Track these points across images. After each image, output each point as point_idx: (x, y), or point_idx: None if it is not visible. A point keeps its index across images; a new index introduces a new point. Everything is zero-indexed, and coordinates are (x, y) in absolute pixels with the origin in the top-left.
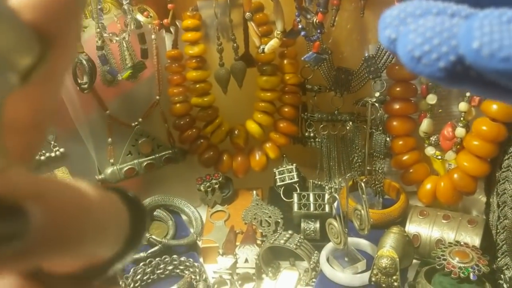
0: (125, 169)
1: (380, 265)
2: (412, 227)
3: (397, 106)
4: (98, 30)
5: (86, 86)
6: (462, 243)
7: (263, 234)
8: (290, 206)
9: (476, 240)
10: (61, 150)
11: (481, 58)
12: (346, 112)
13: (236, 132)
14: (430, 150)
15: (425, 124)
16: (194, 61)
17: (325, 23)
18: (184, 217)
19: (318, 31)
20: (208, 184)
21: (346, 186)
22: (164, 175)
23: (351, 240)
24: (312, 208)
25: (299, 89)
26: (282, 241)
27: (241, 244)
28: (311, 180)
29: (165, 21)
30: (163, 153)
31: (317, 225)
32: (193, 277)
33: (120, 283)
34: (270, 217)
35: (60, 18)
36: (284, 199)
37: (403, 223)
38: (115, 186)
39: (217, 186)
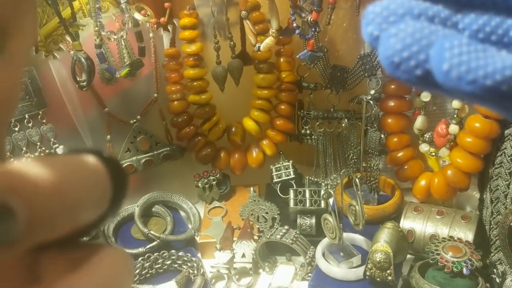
0: (124, 165)
1: (375, 259)
2: (406, 223)
3: (391, 104)
4: (97, 28)
5: (84, 83)
6: (455, 238)
7: (260, 229)
8: (286, 202)
9: (469, 236)
10: (61, 147)
11: (450, 80)
12: (341, 110)
13: (233, 129)
14: (424, 147)
15: (419, 121)
16: (191, 59)
17: (320, 22)
18: (182, 213)
19: (313, 29)
20: (206, 180)
21: (341, 182)
22: (162, 172)
23: (346, 235)
24: (308, 204)
25: (295, 87)
26: (278, 236)
27: (238, 240)
28: (307, 177)
29: (162, 19)
30: (161, 150)
31: (313, 220)
32: (191, 271)
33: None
34: (267, 213)
35: (13, 10)
36: (281, 195)
37: (398, 219)
38: (91, 149)
39: (214, 182)
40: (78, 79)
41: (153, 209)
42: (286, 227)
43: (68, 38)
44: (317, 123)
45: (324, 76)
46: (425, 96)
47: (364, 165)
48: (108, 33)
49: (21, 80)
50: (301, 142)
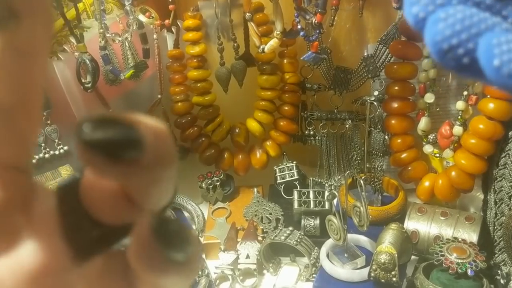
0: None
1: (379, 260)
2: (410, 224)
3: (395, 105)
4: (101, 30)
5: (89, 85)
6: (459, 240)
7: (264, 230)
8: (290, 203)
9: (473, 237)
10: (65, 148)
11: (501, 77)
12: (345, 111)
13: (236, 130)
14: (428, 148)
15: (423, 123)
16: (195, 60)
17: (324, 23)
18: (186, 214)
19: (317, 31)
20: (210, 181)
21: (346, 183)
22: None
23: (351, 236)
24: (312, 205)
25: (298, 88)
26: (282, 238)
27: (242, 240)
28: (311, 178)
29: (166, 21)
30: None
31: (317, 221)
32: None
33: None
34: (270, 214)
35: None
36: (285, 196)
37: (402, 220)
38: None
39: (218, 183)
40: (82, 80)
41: None
42: (290, 228)
43: (72, 39)
44: (321, 124)
45: (327, 77)
46: (429, 98)
47: (367, 166)
48: (113, 35)
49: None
50: (304, 143)
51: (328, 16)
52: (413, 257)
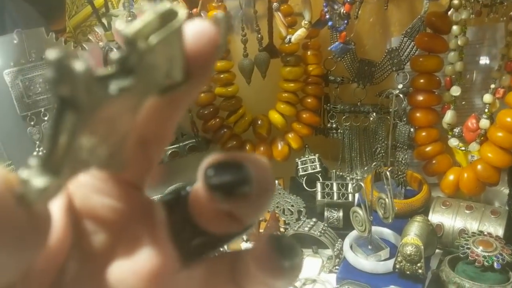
0: None
1: (405, 252)
2: (435, 217)
3: (420, 98)
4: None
5: None
6: (485, 233)
7: (286, 222)
8: (311, 196)
9: (499, 230)
10: None
11: None
12: (369, 104)
13: (259, 122)
14: (453, 142)
15: (448, 116)
16: None
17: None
18: None
19: (345, 21)
20: None
21: (372, 175)
22: (188, 164)
23: (374, 228)
24: (335, 197)
25: (322, 80)
26: (306, 229)
27: (264, 231)
28: (333, 171)
29: (194, 10)
30: (187, 142)
31: (340, 213)
32: None
33: None
34: (292, 206)
35: (206, 59)
36: (307, 188)
37: (425, 214)
38: None
39: None
40: None
41: None
42: (313, 219)
43: (97, 29)
44: (344, 117)
45: (351, 70)
46: (455, 91)
47: (391, 159)
48: None
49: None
50: (326, 136)
51: (352, 9)
52: (437, 250)
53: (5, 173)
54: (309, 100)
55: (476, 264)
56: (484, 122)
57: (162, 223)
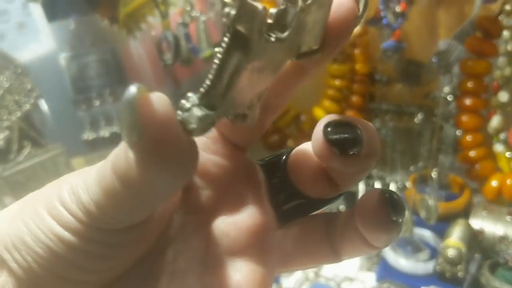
0: None
1: (446, 254)
2: (475, 222)
3: (467, 101)
4: (188, 8)
5: (169, 61)
6: None
7: None
8: (350, 194)
9: None
10: None
11: None
12: (414, 105)
13: (302, 118)
14: (498, 147)
15: (495, 121)
16: None
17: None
18: None
19: (400, 20)
20: None
21: (416, 176)
22: None
23: (414, 230)
24: None
25: (368, 79)
26: None
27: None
28: (373, 170)
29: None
30: None
31: None
32: None
33: None
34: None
35: (343, 29)
36: None
37: (465, 218)
38: None
39: None
40: (164, 57)
41: None
42: None
43: (150, 18)
44: (387, 116)
45: (398, 70)
46: (503, 96)
47: (435, 162)
48: (198, 13)
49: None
50: None
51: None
52: (476, 255)
53: (169, 102)
54: (354, 99)
55: None
56: None
57: (262, 184)
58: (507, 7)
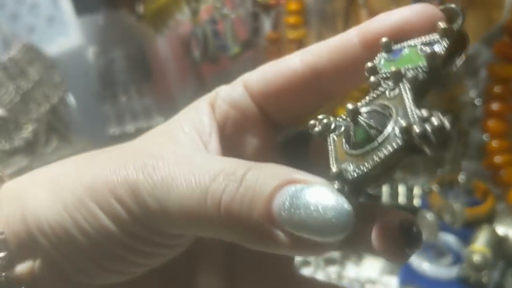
0: None
1: (472, 259)
2: (499, 228)
3: (495, 106)
4: (219, 5)
5: (197, 58)
6: None
7: None
8: (372, 196)
9: None
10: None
11: None
12: (439, 108)
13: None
14: None
15: None
16: (293, 45)
17: None
18: None
19: None
20: None
21: (440, 180)
22: None
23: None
24: (399, 200)
25: None
26: None
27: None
28: (398, 173)
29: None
30: None
31: None
32: None
33: None
34: None
35: None
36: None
37: (490, 224)
38: None
39: None
40: (192, 54)
41: None
42: None
43: (177, 15)
44: None
45: None
46: None
47: (459, 166)
48: (229, 11)
49: None
50: None
51: None
52: (501, 261)
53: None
54: None
55: None
56: None
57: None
58: None
